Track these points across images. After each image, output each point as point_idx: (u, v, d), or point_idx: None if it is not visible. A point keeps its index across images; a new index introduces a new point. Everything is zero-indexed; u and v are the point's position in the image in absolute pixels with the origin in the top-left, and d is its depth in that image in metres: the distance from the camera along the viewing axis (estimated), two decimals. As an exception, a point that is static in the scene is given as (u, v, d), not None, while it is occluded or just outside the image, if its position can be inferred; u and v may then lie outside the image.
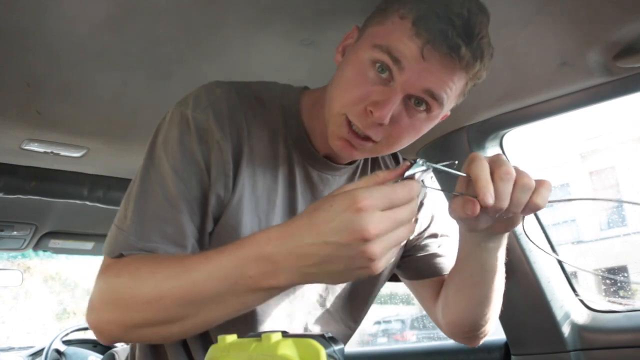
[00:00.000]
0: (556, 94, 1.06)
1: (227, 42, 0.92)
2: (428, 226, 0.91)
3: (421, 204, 0.90)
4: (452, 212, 0.62)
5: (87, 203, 1.55)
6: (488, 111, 1.16)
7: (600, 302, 1.28)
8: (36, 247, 2.06)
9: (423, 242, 0.91)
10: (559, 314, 1.21)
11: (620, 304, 1.28)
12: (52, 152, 1.32)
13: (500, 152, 1.29)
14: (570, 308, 1.24)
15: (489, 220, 0.63)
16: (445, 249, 0.91)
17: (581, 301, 1.27)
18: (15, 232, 1.87)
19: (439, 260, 0.89)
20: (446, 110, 0.70)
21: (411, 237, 0.89)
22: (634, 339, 1.13)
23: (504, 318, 1.30)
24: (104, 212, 1.65)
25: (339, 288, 0.82)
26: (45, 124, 1.18)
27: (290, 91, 0.79)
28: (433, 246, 0.90)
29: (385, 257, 0.50)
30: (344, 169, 0.79)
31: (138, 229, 0.66)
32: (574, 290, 1.27)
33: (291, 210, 0.73)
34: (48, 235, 1.99)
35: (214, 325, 0.60)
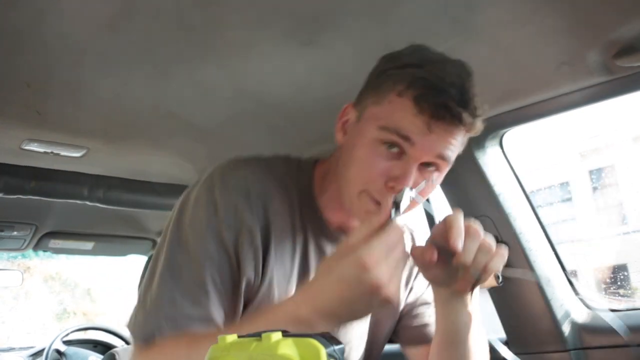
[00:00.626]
0: (556, 93, 1.06)
1: (227, 42, 0.92)
2: (423, 293, 0.94)
3: (418, 272, 0.92)
4: (413, 258, 0.67)
5: (87, 203, 1.55)
6: (488, 111, 1.16)
7: (600, 300, 1.28)
8: (36, 247, 2.05)
9: (417, 312, 0.93)
10: (558, 313, 1.21)
11: (620, 302, 1.28)
12: (52, 152, 1.32)
13: (501, 151, 1.29)
14: (571, 307, 1.24)
15: (450, 276, 0.68)
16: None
17: (581, 300, 1.27)
18: (15, 232, 1.87)
19: (430, 329, 0.91)
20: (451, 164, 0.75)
21: (409, 301, 0.93)
22: (634, 337, 1.13)
23: (504, 317, 1.30)
24: (104, 212, 1.65)
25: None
26: (45, 124, 1.18)
27: (304, 165, 0.82)
28: (426, 315, 0.93)
29: (396, 289, 0.57)
30: None
31: (169, 313, 0.67)
32: (574, 289, 1.27)
33: (303, 283, 0.76)
34: (48, 235, 1.99)
35: None
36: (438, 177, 0.72)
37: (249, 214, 0.70)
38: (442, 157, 0.69)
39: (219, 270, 0.69)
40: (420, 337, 0.91)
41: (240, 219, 0.70)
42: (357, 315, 0.60)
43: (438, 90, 0.65)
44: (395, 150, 0.67)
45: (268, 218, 0.72)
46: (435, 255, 0.64)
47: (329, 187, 0.77)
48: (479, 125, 0.70)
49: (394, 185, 0.67)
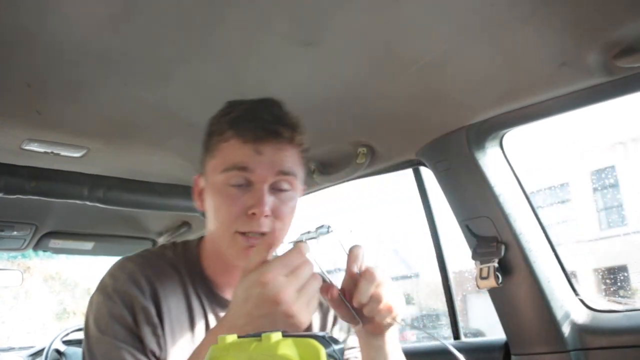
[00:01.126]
0: (556, 93, 1.06)
1: (227, 42, 0.91)
2: (346, 338, 0.98)
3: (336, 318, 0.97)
4: (320, 294, 0.70)
5: (87, 203, 1.54)
6: (488, 111, 1.16)
7: (600, 301, 1.28)
8: (36, 247, 2.05)
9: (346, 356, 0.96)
10: (559, 314, 1.21)
11: (620, 303, 1.28)
12: (52, 152, 1.32)
13: (501, 152, 1.29)
14: (570, 308, 1.24)
15: (361, 315, 0.73)
16: None
17: (581, 301, 1.27)
18: (15, 232, 1.87)
19: None
20: (300, 182, 0.84)
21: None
22: (634, 338, 1.13)
23: (504, 317, 1.30)
24: (104, 212, 1.64)
25: None
26: (46, 124, 1.18)
27: (190, 245, 0.89)
28: (351, 358, 0.95)
29: (306, 310, 0.62)
30: None
31: None
32: (574, 290, 1.27)
33: None
34: (48, 235, 1.99)
35: None
36: (294, 195, 0.82)
37: (142, 297, 0.77)
38: (284, 172, 0.78)
39: (133, 346, 0.76)
40: None
41: (133, 302, 0.77)
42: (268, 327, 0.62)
43: (252, 119, 0.78)
44: (242, 184, 0.77)
45: (160, 298, 0.79)
46: (335, 293, 0.70)
47: (212, 255, 0.85)
48: (300, 138, 0.81)
49: (254, 212, 0.75)
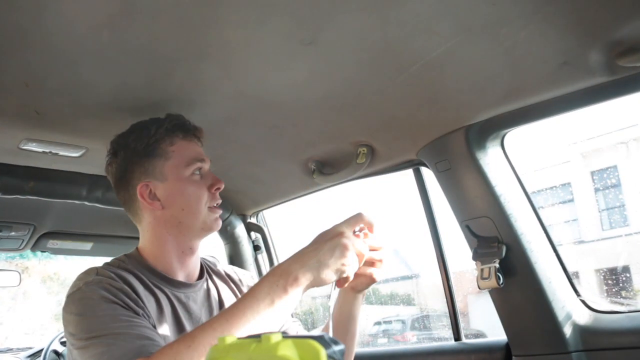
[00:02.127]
0: (557, 93, 1.06)
1: (227, 42, 0.91)
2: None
3: None
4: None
5: (86, 203, 1.54)
6: (488, 111, 1.15)
7: (602, 302, 1.27)
8: (34, 248, 2.05)
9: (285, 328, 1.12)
10: (560, 315, 1.21)
11: (622, 304, 1.27)
12: (50, 152, 1.31)
13: (502, 152, 1.28)
14: (572, 309, 1.23)
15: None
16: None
17: (583, 302, 1.26)
18: (13, 233, 1.86)
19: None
20: None
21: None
22: (636, 340, 1.12)
23: (505, 318, 1.29)
24: (102, 213, 1.64)
25: None
26: (44, 124, 1.18)
27: (132, 254, 1.02)
28: (292, 329, 1.12)
29: (353, 269, 0.77)
30: (199, 283, 1.05)
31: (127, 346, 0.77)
32: (575, 290, 1.27)
33: (179, 326, 0.96)
34: (46, 235, 1.99)
35: None
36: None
37: (114, 281, 0.87)
38: (209, 158, 1.06)
39: (126, 313, 0.83)
40: None
41: (112, 284, 0.86)
42: (327, 275, 0.75)
43: (184, 124, 1.04)
44: (200, 170, 1.02)
45: (132, 286, 0.90)
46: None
47: (156, 251, 1.01)
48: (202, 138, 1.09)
49: (218, 187, 1.02)
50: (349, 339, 1.00)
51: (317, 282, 0.74)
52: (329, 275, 0.74)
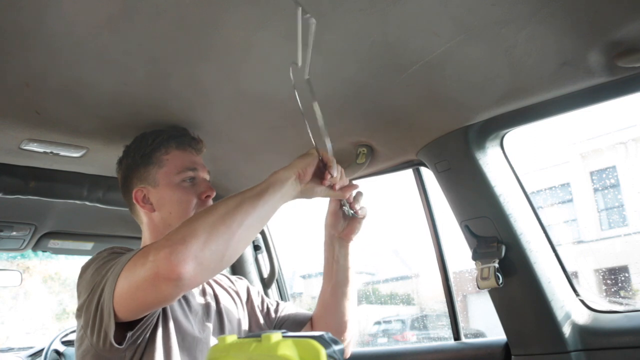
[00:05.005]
0: (557, 93, 1.06)
1: (227, 42, 0.91)
2: (268, 302, 1.26)
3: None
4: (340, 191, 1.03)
5: (87, 203, 1.54)
6: (488, 111, 1.16)
7: (601, 302, 1.27)
8: (35, 248, 2.05)
9: (280, 309, 1.24)
10: (559, 314, 1.21)
11: (621, 304, 1.28)
12: (51, 152, 1.31)
13: (501, 152, 1.28)
14: (571, 308, 1.23)
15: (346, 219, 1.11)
16: (282, 306, 1.25)
17: (582, 301, 1.26)
18: (14, 233, 1.86)
19: (298, 314, 1.23)
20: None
21: (265, 310, 1.24)
22: (635, 339, 1.13)
23: (505, 318, 1.29)
24: (103, 213, 1.64)
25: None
26: (45, 124, 1.18)
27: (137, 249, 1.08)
28: (286, 309, 1.24)
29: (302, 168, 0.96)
30: None
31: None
32: (574, 290, 1.27)
33: (178, 319, 1.03)
34: (47, 235, 1.98)
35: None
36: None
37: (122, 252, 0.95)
38: (207, 168, 1.14)
39: None
40: (298, 320, 1.21)
41: (118, 252, 0.94)
42: (304, 167, 0.95)
43: (182, 135, 1.13)
44: (193, 178, 1.09)
45: None
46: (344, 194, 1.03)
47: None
48: (204, 149, 1.17)
49: (208, 194, 1.08)
50: (338, 287, 1.11)
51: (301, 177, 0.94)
52: (305, 165, 0.95)
